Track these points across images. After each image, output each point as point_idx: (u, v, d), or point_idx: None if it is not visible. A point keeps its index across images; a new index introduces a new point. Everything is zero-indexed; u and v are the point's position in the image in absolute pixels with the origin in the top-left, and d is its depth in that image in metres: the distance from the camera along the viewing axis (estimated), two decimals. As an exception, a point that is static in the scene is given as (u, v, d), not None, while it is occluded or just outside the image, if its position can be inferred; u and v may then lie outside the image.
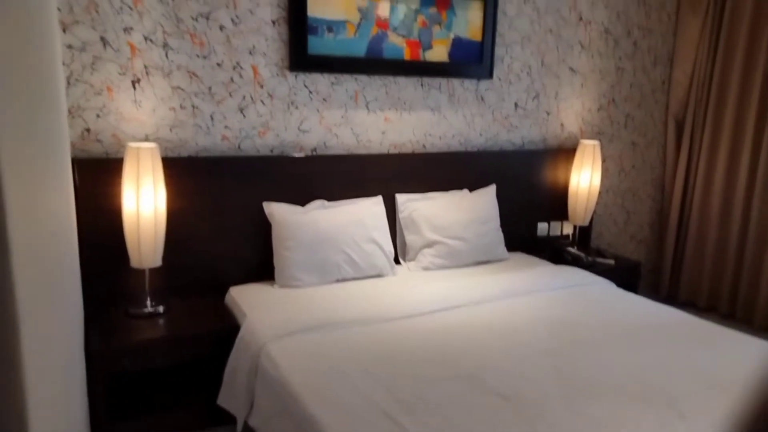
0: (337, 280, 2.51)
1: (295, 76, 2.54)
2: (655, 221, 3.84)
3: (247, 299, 2.31)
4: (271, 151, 2.56)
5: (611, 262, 3.13)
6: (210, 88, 2.38)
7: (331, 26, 2.56)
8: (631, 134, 3.59)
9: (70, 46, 2.09)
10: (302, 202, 2.55)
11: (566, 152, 3.26)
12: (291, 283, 2.43)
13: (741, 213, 3.40)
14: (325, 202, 2.60)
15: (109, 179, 2.15)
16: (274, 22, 2.45)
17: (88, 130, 2.18)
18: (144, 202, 2.09)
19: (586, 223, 3.28)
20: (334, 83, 2.64)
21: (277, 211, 2.48)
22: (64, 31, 2.06)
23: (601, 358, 1.87)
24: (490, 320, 2.16)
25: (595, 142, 3.15)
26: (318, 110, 2.63)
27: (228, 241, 2.45)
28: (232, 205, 2.43)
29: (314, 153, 2.66)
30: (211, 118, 2.41)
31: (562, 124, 3.30)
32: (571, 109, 3.31)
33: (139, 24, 2.19)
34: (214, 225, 2.41)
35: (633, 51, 3.45)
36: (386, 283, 2.55)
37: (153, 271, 2.19)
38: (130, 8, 2.17)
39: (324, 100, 2.63)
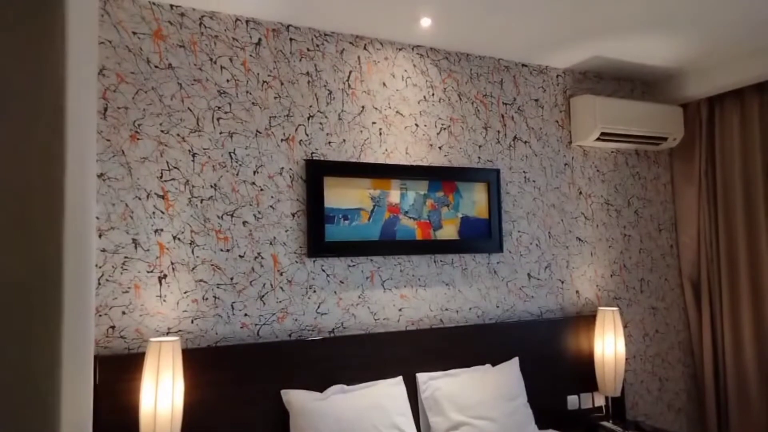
0: (359, 473, 2.35)
1: (313, 262, 2.66)
2: (691, 387, 3.65)
3: (264, 501, 2.15)
4: (290, 335, 2.58)
5: (651, 436, 2.93)
6: (231, 279, 2.48)
7: (347, 215, 2.74)
8: (648, 298, 3.58)
9: (103, 250, 2.25)
10: (321, 386, 2.50)
11: (586, 319, 3.23)
12: (315, 479, 2.28)
13: (780, 375, 3.24)
14: (345, 387, 2.54)
15: (128, 375, 2.16)
16: (293, 215, 2.63)
17: (113, 327, 2.24)
18: (162, 397, 2.07)
19: (618, 393, 3.13)
20: (350, 266, 2.74)
21: (295, 398, 2.42)
22: (99, 236, 2.24)
23: None
24: None
25: (614, 309, 3.14)
26: (335, 292, 2.70)
27: (245, 434, 2.36)
28: (249, 395, 2.38)
29: (332, 335, 2.67)
30: (232, 308, 2.47)
31: (577, 292, 3.33)
32: (584, 276, 3.36)
33: (169, 225, 2.37)
34: (231, 417, 2.34)
35: (636, 219, 3.60)
36: (412, 473, 2.38)
37: (166, 472, 2.08)
38: (162, 212, 2.37)
39: (341, 282, 2.72)
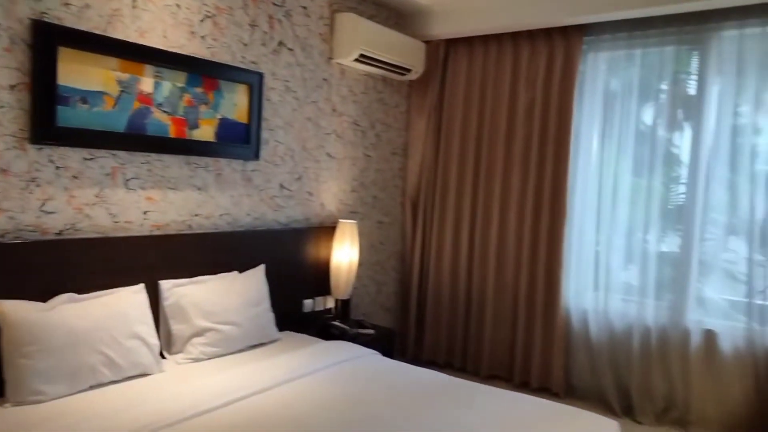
0: (91, 387, 2.15)
1: (39, 150, 2.18)
2: (399, 290, 4.28)
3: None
4: (3, 236, 2.11)
5: (372, 332, 3.36)
6: None
7: (86, 97, 2.30)
8: (378, 214, 4.00)
9: None
10: (45, 296, 2.15)
11: (327, 230, 3.45)
12: (30, 398, 1.99)
13: (465, 280, 4.04)
14: (75, 296, 2.24)
15: None
16: (12, 88, 2.08)
17: None
18: None
19: (347, 296, 3.49)
20: (87, 159, 2.34)
21: (10, 310, 2.03)
22: None
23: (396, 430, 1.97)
24: (277, 410, 2.09)
25: (353, 222, 3.42)
26: (66, 188, 2.28)
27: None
28: (-56, 308, 1.90)
29: (60, 237, 2.28)
30: None
31: (322, 204, 3.51)
32: (329, 190, 3.55)
33: None
34: None
35: (377, 142, 3.91)
36: (153, 382, 2.27)
37: None
38: None
39: (74, 177, 2.30)
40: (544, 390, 3.67)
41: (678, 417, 3.32)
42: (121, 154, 2.45)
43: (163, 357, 2.52)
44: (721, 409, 3.19)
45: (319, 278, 3.42)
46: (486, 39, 3.91)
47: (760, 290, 3.07)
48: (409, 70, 3.83)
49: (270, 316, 2.91)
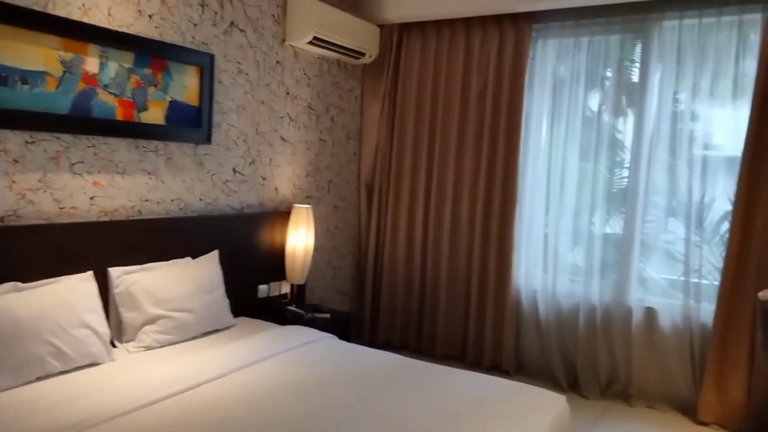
0: (39, 378, 2.08)
1: (-25, 132, 2.08)
2: (355, 274, 4.30)
3: None
4: (-63, 224, 2.01)
5: (327, 316, 3.37)
6: None
7: (26, 77, 2.19)
8: (333, 198, 4.00)
9: None
10: (-15, 286, 2.06)
11: (281, 215, 3.43)
12: (-27, 391, 1.91)
13: (419, 263, 4.09)
14: (19, 285, 2.15)
15: None
16: (-56, 66, 1.97)
17: None
18: None
19: (303, 281, 3.48)
20: (29, 142, 2.24)
21: (-52, 301, 1.94)
22: None
23: (355, 414, 1.99)
24: (234, 395, 2.09)
25: (308, 206, 3.41)
26: (7, 173, 2.18)
27: None
28: None
29: (1, 224, 2.18)
30: None
31: (276, 189, 3.47)
32: (284, 175, 3.52)
33: None
34: None
35: (331, 126, 3.89)
36: (104, 372, 2.22)
37: None
38: None
39: (15, 161, 2.20)
40: (495, 368, 3.78)
41: (620, 390, 3.50)
42: (66, 137, 2.36)
43: (114, 346, 2.46)
44: (660, 381, 3.38)
45: (274, 263, 3.40)
46: (439, 24, 3.94)
47: (696, 269, 3.26)
48: (363, 54, 3.82)
49: (224, 302, 2.88)
